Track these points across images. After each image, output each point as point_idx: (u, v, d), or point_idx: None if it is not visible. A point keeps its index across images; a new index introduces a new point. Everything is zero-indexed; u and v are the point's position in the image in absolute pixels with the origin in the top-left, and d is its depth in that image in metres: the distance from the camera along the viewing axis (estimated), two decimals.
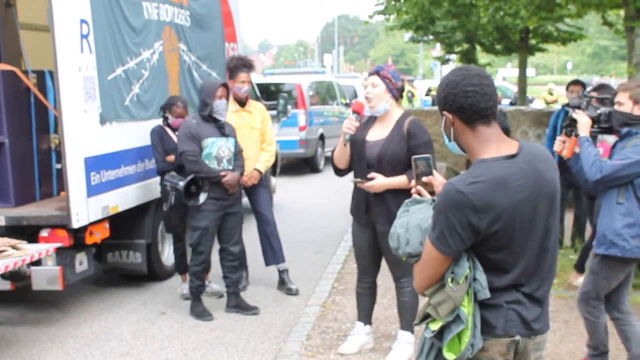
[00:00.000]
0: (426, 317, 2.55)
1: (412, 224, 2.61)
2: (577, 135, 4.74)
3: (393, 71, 5.15)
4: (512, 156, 2.52)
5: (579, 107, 4.90)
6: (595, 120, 4.73)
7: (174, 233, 7.06)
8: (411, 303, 5.33)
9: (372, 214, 5.16)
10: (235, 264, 6.55)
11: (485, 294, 2.48)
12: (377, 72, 5.12)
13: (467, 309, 2.47)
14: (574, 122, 4.78)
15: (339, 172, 5.35)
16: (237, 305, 6.58)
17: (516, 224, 2.48)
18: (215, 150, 6.28)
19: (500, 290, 2.52)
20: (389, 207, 5.04)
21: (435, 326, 2.51)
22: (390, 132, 5.11)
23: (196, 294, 6.47)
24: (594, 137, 4.88)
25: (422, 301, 5.48)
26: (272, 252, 7.19)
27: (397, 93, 5.15)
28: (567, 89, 8.12)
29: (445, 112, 2.59)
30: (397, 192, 4.99)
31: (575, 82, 8.12)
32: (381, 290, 6.27)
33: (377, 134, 5.12)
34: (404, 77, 7.63)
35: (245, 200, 7.31)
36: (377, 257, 5.37)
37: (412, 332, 5.37)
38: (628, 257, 4.57)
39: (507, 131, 7.66)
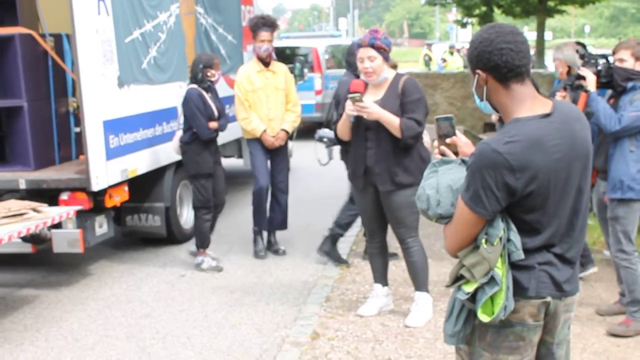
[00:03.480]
0: (458, 279, 2.53)
1: (443, 184, 2.56)
2: (586, 91, 5.04)
3: (385, 38, 5.07)
4: (547, 115, 2.47)
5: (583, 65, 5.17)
6: (597, 76, 5.03)
7: None
8: (420, 262, 5.34)
9: (371, 175, 5.17)
10: None
11: (519, 255, 2.45)
12: (372, 45, 5.00)
13: (501, 270, 2.44)
14: (579, 78, 5.09)
15: (344, 144, 5.47)
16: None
17: (551, 184, 2.44)
18: None
19: (532, 251, 2.49)
20: (390, 167, 5.08)
21: (469, 288, 2.47)
22: (385, 93, 5.12)
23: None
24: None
25: (432, 260, 5.50)
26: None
27: (388, 56, 5.14)
28: None
29: (478, 71, 2.53)
30: (399, 152, 5.06)
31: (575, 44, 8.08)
32: (399, 252, 6.27)
33: (371, 97, 5.12)
34: (422, 42, 7.58)
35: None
36: (381, 217, 5.38)
37: (428, 292, 5.39)
38: None
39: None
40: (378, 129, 5.06)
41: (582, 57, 5.26)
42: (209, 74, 6.60)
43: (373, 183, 5.20)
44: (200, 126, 6.51)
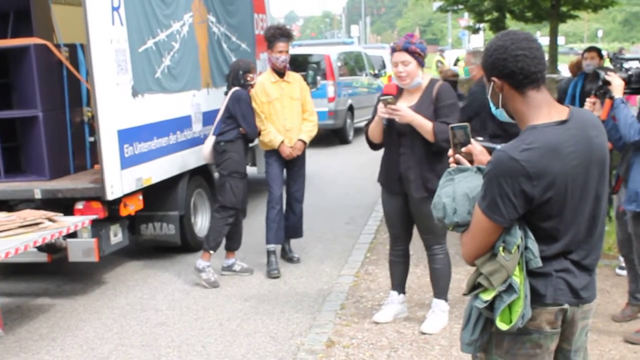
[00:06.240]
0: (476, 287, 2.52)
1: (459, 192, 2.56)
2: (611, 98, 4.81)
3: (420, 43, 5.06)
4: (564, 122, 2.46)
5: (611, 69, 4.97)
6: (626, 82, 4.83)
7: None
8: (444, 271, 5.33)
9: (405, 181, 5.14)
10: None
11: (537, 262, 2.45)
12: (406, 49, 4.99)
13: (518, 278, 2.43)
14: (606, 84, 4.86)
15: (374, 147, 5.34)
16: None
17: (568, 191, 2.44)
18: None
19: (549, 258, 2.48)
20: (423, 173, 5.04)
21: (487, 296, 2.47)
22: (419, 98, 5.09)
23: None
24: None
25: (456, 269, 5.48)
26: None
27: (423, 61, 5.12)
28: (582, 56, 8.00)
29: (493, 79, 2.53)
30: (432, 158, 5.03)
31: (590, 49, 8.01)
32: (414, 259, 6.25)
33: (405, 103, 5.08)
34: (435, 48, 7.64)
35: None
36: (408, 224, 5.35)
37: (446, 300, 5.37)
38: None
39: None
40: (412, 134, 5.03)
41: (611, 60, 5.15)
42: (248, 78, 6.72)
43: (404, 189, 5.18)
44: (252, 125, 6.65)
